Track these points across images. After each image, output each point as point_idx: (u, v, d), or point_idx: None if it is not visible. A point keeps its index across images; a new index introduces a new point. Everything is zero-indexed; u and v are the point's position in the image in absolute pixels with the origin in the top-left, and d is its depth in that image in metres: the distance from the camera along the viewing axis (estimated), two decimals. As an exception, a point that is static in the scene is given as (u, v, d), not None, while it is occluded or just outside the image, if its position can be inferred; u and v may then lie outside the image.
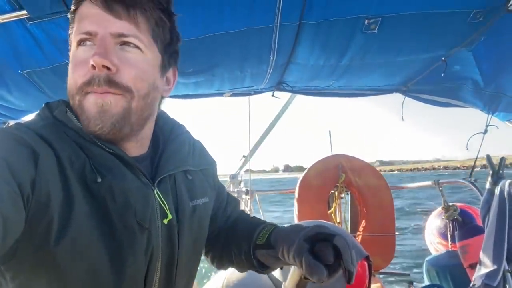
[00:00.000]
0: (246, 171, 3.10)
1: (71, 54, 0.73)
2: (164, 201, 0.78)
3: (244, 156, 3.16)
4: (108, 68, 0.68)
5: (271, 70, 1.99)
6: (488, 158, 2.18)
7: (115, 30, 0.70)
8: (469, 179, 2.57)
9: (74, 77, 0.71)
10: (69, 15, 0.75)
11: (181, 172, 0.85)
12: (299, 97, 2.94)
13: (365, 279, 1.79)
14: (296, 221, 2.85)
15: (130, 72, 0.71)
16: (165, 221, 0.77)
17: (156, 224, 0.76)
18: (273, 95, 2.48)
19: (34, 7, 1.25)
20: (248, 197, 2.91)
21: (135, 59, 0.72)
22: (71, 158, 0.68)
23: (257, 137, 3.26)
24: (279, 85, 2.39)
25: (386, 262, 2.74)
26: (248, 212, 2.88)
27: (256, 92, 2.50)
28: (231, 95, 2.48)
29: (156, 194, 0.77)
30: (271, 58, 1.83)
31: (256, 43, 1.67)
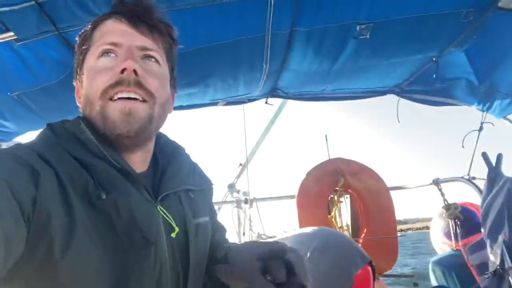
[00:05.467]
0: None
1: (88, 66, 0.77)
2: (169, 216, 0.78)
3: (240, 164, 3.13)
4: (136, 74, 0.73)
5: (265, 77, 1.98)
6: (485, 155, 2.18)
7: (140, 43, 0.77)
8: (468, 177, 2.57)
9: (96, 84, 0.74)
10: (81, 36, 0.82)
11: (184, 190, 0.86)
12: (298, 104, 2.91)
13: (369, 284, 1.77)
14: (298, 228, 2.83)
15: (154, 81, 0.77)
16: (173, 235, 0.77)
17: (162, 240, 0.75)
18: (266, 102, 2.47)
19: (20, 28, 1.23)
20: (247, 206, 2.88)
21: (157, 71, 0.79)
22: (72, 176, 0.68)
23: (253, 144, 3.24)
24: (273, 92, 2.38)
25: (389, 265, 2.72)
26: (248, 222, 2.85)
27: (250, 100, 2.48)
28: (225, 104, 2.46)
29: (160, 210, 0.77)
30: (264, 66, 1.81)
31: (248, 52, 1.66)
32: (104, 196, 0.68)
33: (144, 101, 0.75)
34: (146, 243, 0.71)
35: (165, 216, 0.77)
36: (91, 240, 0.65)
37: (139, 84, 0.73)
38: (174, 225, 0.78)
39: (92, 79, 0.75)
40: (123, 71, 0.72)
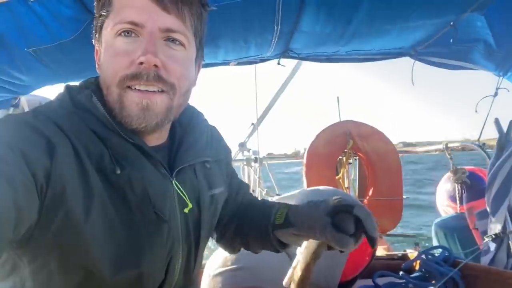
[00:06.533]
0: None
1: (106, 39, 0.72)
2: (183, 191, 0.78)
3: (252, 124, 3.16)
4: (156, 66, 0.69)
5: (276, 39, 1.95)
6: (497, 121, 2.16)
7: (164, 25, 0.70)
8: (477, 143, 2.56)
9: (114, 68, 0.70)
10: None
11: (200, 162, 0.86)
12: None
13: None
14: (305, 187, 2.91)
15: (176, 70, 0.72)
16: (186, 210, 0.79)
17: (175, 215, 0.77)
18: (278, 63, 2.44)
19: (34, -15, 1.24)
20: (257, 164, 2.96)
21: (180, 57, 0.73)
22: (89, 149, 0.68)
23: (265, 104, 3.25)
24: (285, 53, 2.34)
25: (393, 225, 2.80)
26: (257, 180, 2.94)
27: (262, 60, 2.46)
28: (236, 64, 2.46)
29: (175, 185, 0.78)
30: (276, 27, 1.79)
31: (259, 13, 1.63)
32: (118, 171, 0.69)
33: (163, 91, 0.72)
34: (159, 219, 0.73)
35: (180, 192, 0.78)
36: (106, 211, 0.67)
37: (159, 78, 0.70)
38: (188, 201, 0.79)
39: (110, 61, 0.71)
40: (142, 63, 0.68)
